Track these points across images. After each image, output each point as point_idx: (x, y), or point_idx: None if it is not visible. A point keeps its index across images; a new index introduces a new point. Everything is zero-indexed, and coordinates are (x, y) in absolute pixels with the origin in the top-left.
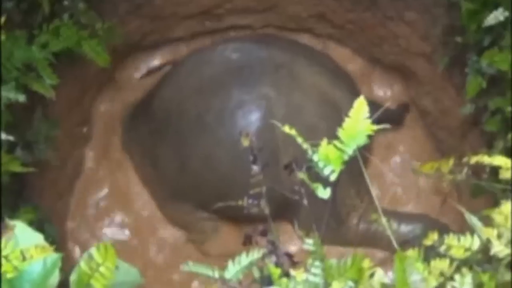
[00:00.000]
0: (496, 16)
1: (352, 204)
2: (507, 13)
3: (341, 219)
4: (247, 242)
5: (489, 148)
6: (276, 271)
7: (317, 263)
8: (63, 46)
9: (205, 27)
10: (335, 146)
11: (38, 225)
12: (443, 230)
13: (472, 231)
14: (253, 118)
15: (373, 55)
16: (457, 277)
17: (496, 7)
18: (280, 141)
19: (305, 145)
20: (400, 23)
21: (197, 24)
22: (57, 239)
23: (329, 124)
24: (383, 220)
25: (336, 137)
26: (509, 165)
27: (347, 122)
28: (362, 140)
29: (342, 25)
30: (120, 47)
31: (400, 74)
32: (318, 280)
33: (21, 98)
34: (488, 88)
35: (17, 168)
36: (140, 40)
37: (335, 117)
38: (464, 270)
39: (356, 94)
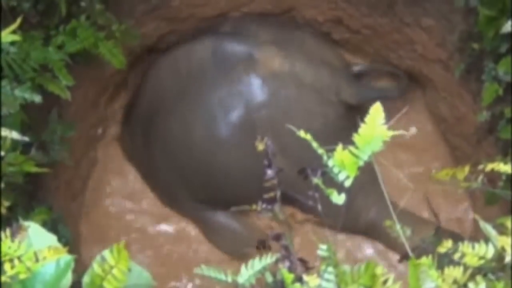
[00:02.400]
0: None
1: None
2: None
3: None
4: (261, 247)
5: (504, 156)
6: (289, 276)
7: (330, 269)
8: (80, 47)
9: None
10: (351, 151)
11: (51, 226)
12: (457, 238)
13: (486, 239)
14: (233, 114)
15: (389, 60)
16: (471, 285)
17: None
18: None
19: (320, 150)
20: (417, 29)
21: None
22: (70, 241)
23: (311, 117)
24: (397, 225)
25: (315, 129)
26: None
27: (363, 128)
28: (377, 146)
29: (358, 30)
30: (137, 49)
31: (416, 80)
32: (331, 286)
33: (37, 98)
34: (505, 95)
35: (31, 168)
36: (156, 42)
37: (317, 108)
38: (479, 278)
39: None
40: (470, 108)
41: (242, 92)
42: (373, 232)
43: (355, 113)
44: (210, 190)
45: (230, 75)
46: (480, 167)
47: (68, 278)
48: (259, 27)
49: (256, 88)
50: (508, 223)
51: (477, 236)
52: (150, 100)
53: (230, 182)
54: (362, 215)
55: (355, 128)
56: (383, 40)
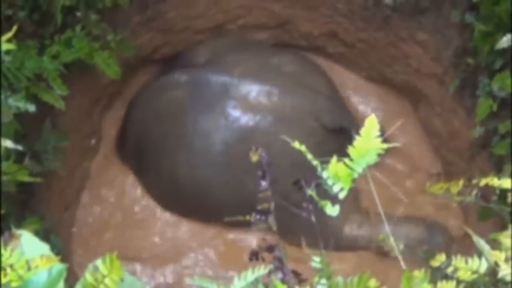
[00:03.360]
0: (509, 39)
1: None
2: None
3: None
4: (254, 258)
5: (498, 172)
6: (282, 287)
7: (323, 281)
8: (75, 57)
9: None
10: (345, 164)
11: (44, 236)
12: (443, 231)
13: (479, 254)
14: (214, 140)
15: (384, 74)
16: None
17: (509, 30)
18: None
19: (315, 162)
20: (412, 44)
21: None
22: (62, 251)
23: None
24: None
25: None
26: None
27: (358, 141)
28: (372, 159)
29: (353, 44)
30: (132, 60)
31: (410, 95)
32: None
33: (31, 108)
34: (499, 111)
35: (24, 177)
36: (151, 53)
37: (297, 137)
38: None
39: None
40: (464, 124)
41: (220, 128)
42: (356, 244)
43: (341, 136)
44: (202, 214)
45: (206, 112)
46: (474, 181)
47: (60, 286)
48: (237, 55)
49: (233, 123)
50: (502, 239)
51: (470, 252)
52: (137, 136)
53: (221, 208)
54: (343, 230)
55: (342, 150)
56: (378, 55)
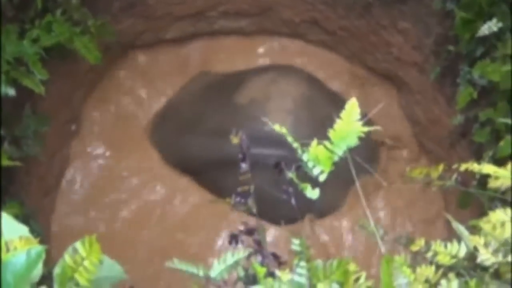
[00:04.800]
0: (490, 26)
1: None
2: (500, 24)
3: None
4: (233, 241)
5: (477, 159)
6: (261, 270)
7: (302, 263)
8: (55, 42)
9: (197, 29)
10: (325, 147)
11: (23, 221)
12: None
13: (458, 239)
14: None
15: (365, 62)
16: (443, 282)
17: (490, 17)
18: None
19: (295, 144)
20: (393, 32)
21: (189, 26)
22: (42, 236)
23: None
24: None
25: None
26: (498, 174)
27: (338, 123)
28: (352, 142)
29: (334, 32)
30: (113, 46)
31: (391, 82)
32: (303, 280)
33: (11, 92)
34: (479, 99)
35: (4, 161)
36: (133, 40)
37: None
38: (451, 275)
39: None
40: (444, 112)
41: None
42: None
43: None
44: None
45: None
46: (454, 166)
47: (39, 269)
48: None
49: None
50: (482, 224)
51: (450, 238)
52: (177, 119)
53: None
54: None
55: None
56: (359, 42)
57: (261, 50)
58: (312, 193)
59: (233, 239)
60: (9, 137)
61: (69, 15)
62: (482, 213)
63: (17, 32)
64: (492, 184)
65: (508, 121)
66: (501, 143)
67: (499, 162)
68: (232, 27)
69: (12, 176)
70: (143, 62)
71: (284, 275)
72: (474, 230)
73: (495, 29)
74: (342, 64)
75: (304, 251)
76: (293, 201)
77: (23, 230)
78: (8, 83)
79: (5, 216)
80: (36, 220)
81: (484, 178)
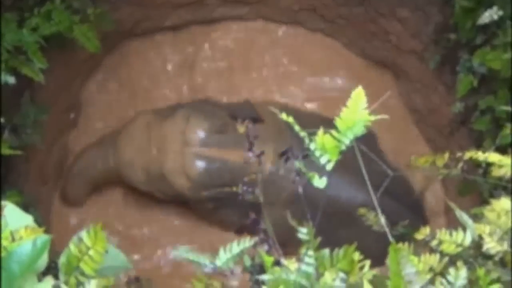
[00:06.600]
0: (491, 14)
1: None
2: (501, 12)
3: None
4: (240, 231)
5: (477, 148)
6: (269, 259)
7: (310, 252)
8: (54, 30)
9: (196, 17)
10: (332, 135)
11: (23, 210)
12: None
13: (463, 228)
14: None
15: (364, 50)
16: (451, 270)
17: (490, 5)
18: None
19: (303, 133)
20: (392, 20)
21: (188, 14)
22: (42, 225)
23: None
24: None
25: None
26: (503, 162)
27: (345, 112)
28: (359, 130)
29: (333, 20)
30: (112, 34)
31: (390, 71)
32: (311, 269)
33: (10, 80)
34: (479, 87)
35: (5, 150)
36: (131, 28)
37: None
38: (459, 263)
39: None
40: (444, 100)
41: None
42: None
43: None
44: None
45: None
46: (458, 155)
47: (45, 258)
48: None
49: None
50: (486, 212)
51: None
52: None
53: None
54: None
55: None
56: (358, 30)
57: None
58: (319, 182)
59: (240, 228)
60: (9, 125)
61: (68, 3)
62: (482, 201)
63: (16, 20)
64: (495, 172)
65: (509, 108)
66: (503, 131)
67: (500, 149)
68: (231, 14)
69: (11, 165)
70: None
71: (291, 264)
72: (476, 218)
73: (495, 17)
74: (341, 52)
75: (311, 239)
76: (300, 189)
77: (28, 219)
78: (7, 72)
79: (10, 205)
80: (36, 209)
81: (490, 166)
